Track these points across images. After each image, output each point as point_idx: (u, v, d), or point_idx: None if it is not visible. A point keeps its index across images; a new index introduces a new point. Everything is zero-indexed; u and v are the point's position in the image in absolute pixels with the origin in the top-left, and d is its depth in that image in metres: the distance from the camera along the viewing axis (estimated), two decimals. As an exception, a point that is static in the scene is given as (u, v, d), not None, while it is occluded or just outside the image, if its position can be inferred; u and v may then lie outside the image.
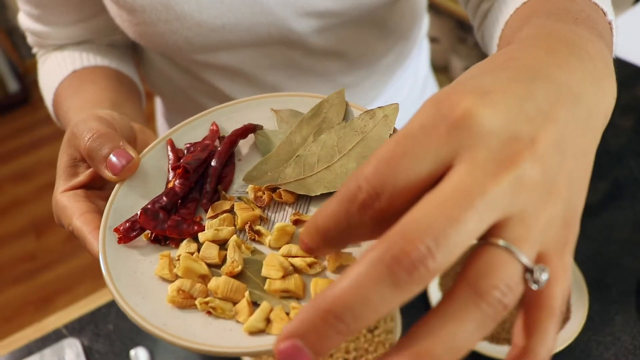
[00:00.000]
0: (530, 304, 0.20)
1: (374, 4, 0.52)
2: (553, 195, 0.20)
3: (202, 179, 0.34)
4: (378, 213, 0.20)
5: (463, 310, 0.18)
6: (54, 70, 0.56)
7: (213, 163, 0.34)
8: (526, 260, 0.19)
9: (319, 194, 0.31)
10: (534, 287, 0.19)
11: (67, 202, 0.35)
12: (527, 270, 0.19)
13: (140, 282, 0.29)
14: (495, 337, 0.52)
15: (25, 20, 0.58)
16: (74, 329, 0.58)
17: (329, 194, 0.31)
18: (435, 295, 0.55)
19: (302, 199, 0.33)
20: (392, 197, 0.20)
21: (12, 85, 2.44)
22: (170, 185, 0.33)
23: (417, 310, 0.56)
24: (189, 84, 0.63)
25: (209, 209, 0.32)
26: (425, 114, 0.21)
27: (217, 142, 0.35)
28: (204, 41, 0.52)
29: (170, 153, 0.35)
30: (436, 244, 0.18)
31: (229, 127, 0.36)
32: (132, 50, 0.65)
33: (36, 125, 2.39)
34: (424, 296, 0.56)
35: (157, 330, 0.26)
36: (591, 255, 0.59)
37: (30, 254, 1.84)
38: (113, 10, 0.53)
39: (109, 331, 0.57)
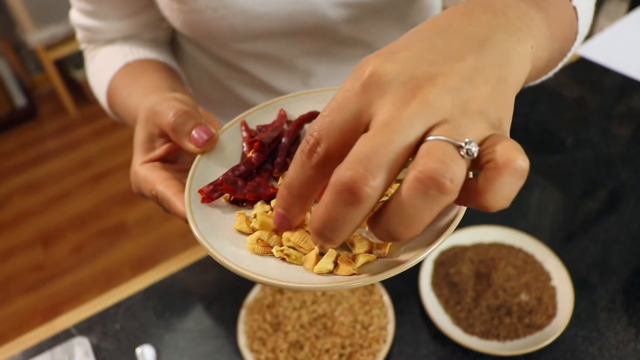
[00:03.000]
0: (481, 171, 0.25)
1: None
2: (467, 110, 0.24)
3: (273, 154, 0.39)
4: (322, 157, 0.26)
5: (413, 190, 0.23)
6: (107, 62, 0.60)
7: (283, 140, 0.40)
8: (451, 139, 0.23)
9: None
10: (467, 156, 0.23)
11: (147, 172, 0.39)
12: (458, 147, 0.23)
13: (222, 235, 0.34)
14: (484, 333, 0.54)
15: (77, 17, 0.62)
16: (83, 328, 0.60)
17: None
18: (429, 298, 0.58)
19: None
20: (329, 143, 0.26)
21: (19, 100, 2.49)
22: (248, 156, 0.38)
23: (410, 308, 0.58)
24: (226, 74, 0.67)
25: (280, 178, 0.38)
26: (348, 80, 0.26)
27: (284, 126, 0.40)
28: (247, 29, 0.56)
29: (244, 132, 0.40)
30: (372, 165, 0.23)
31: (294, 113, 0.42)
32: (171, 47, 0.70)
33: (43, 139, 2.43)
34: (417, 299, 0.59)
35: (241, 270, 0.31)
36: (578, 255, 0.62)
37: (38, 264, 1.87)
38: (164, 1, 0.57)
39: (116, 330, 0.60)
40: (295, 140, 0.40)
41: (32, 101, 2.54)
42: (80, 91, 2.59)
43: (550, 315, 0.55)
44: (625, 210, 0.66)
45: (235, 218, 0.35)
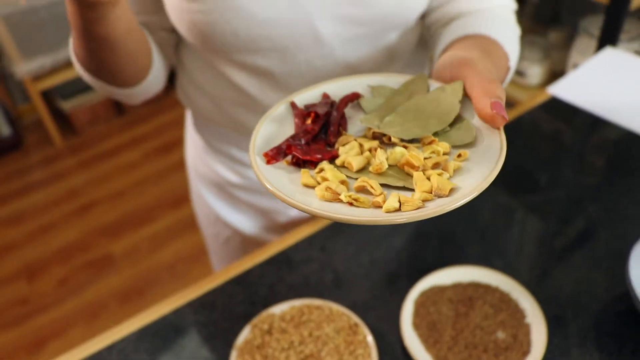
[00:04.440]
0: None
1: (391, 21, 0.63)
2: None
3: (326, 125, 0.47)
4: None
5: None
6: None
7: (334, 113, 0.47)
8: None
9: (406, 138, 0.44)
10: None
11: None
12: None
13: (291, 188, 0.41)
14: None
15: None
16: (76, 372, 0.62)
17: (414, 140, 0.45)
18: (410, 337, 0.61)
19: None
20: None
21: (5, 130, 2.50)
22: (308, 123, 0.46)
23: (392, 347, 0.61)
24: (222, 92, 0.71)
25: (336, 143, 0.45)
26: None
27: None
28: (249, 34, 0.60)
29: (293, 110, 0.48)
30: None
31: (335, 96, 0.50)
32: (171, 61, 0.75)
33: (28, 170, 2.44)
34: (399, 339, 0.61)
35: (317, 210, 0.37)
36: (552, 293, 0.65)
37: (22, 298, 1.86)
38: (174, 1, 0.61)
39: (109, 373, 0.62)
40: (343, 115, 0.48)
41: (17, 131, 2.55)
42: (67, 122, 2.61)
43: (525, 352, 0.58)
44: (596, 247, 0.69)
45: (299, 176, 0.42)
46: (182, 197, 2.19)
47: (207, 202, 0.89)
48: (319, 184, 0.41)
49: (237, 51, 0.64)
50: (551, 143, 0.87)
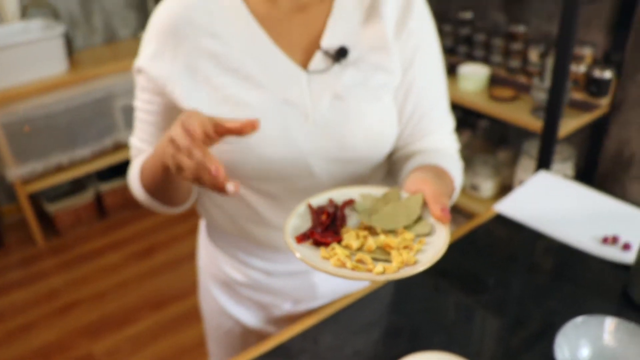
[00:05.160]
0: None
1: (366, 160, 0.85)
2: None
3: (333, 220, 0.67)
4: None
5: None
6: (137, 163, 0.88)
7: (338, 213, 0.68)
8: None
9: (387, 228, 0.65)
10: None
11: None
12: None
13: (314, 259, 0.61)
14: None
15: (136, 142, 0.89)
16: None
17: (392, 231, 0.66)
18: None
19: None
20: None
21: (-13, 230, 2.58)
22: (323, 218, 0.67)
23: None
24: (236, 209, 0.90)
25: (341, 231, 0.66)
26: None
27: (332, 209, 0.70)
28: (260, 169, 0.80)
29: (310, 210, 0.69)
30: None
31: (337, 201, 0.72)
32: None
33: (8, 268, 2.50)
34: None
35: (332, 271, 0.59)
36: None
37: (0, 398, 1.87)
38: None
39: None
40: (344, 214, 0.69)
41: None
42: (50, 223, 2.71)
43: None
44: (532, 335, 0.86)
45: (319, 251, 0.63)
46: (163, 299, 2.28)
47: (213, 296, 1.04)
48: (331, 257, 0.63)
49: (250, 179, 0.83)
50: (499, 251, 1.06)
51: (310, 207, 0.69)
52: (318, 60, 0.81)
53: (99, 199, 2.81)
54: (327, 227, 0.66)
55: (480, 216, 1.15)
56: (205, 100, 0.79)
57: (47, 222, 2.74)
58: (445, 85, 0.92)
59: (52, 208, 2.63)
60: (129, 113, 2.69)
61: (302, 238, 0.64)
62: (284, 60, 0.80)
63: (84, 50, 2.86)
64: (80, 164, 2.63)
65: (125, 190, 2.81)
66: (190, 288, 2.32)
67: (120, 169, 2.83)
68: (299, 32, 0.82)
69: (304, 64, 0.82)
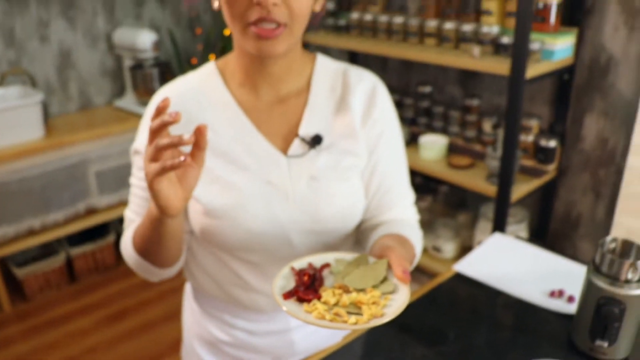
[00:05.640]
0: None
1: (338, 231, 0.96)
2: None
3: (314, 281, 0.78)
4: None
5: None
6: (131, 229, 0.95)
7: (317, 275, 0.79)
8: None
9: (358, 287, 0.76)
10: None
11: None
12: None
13: (299, 312, 0.71)
14: None
15: (130, 215, 0.98)
16: None
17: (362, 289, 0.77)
18: None
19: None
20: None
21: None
22: (304, 280, 0.77)
23: None
24: (222, 275, 0.98)
25: (320, 290, 0.76)
26: None
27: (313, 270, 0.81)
28: (245, 240, 0.90)
29: (293, 272, 0.80)
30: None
31: (316, 264, 0.83)
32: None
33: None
34: None
35: (314, 321, 0.69)
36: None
37: None
38: (196, 207, 0.91)
39: None
40: (322, 275, 0.80)
41: (-34, 298, 2.59)
42: (18, 288, 2.69)
43: None
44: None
45: (303, 306, 0.73)
46: (132, 363, 2.27)
47: (198, 354, 1.10)
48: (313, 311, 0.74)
49: (236, 250, 0.94)
50: (459, 307, 1.16)
51: (293, 269, 0.80)
52: (296, 147, 0.94)
53: (69, 263, 2.81)
54: (308, 286, 0.77)
55: (441, 275, 1.25)
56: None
57: (14, 287, 2.71)
58: (406, 164, 1.06)
59: (20, 272, 2.62)
60: (102, 178, 2.75)
61: (288, 295, 0.75)
62: (267, 146, 0.93)
63: (59, 116, 2.94)
64: (53, 228, 2.65)
65: (96, 254, 2.83)
66: (162, 352, 2.33)
67: (92, 234, 2.86)
68: (279, 121, 0.95)
69: (284, 149, 0.94)
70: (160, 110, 0.68)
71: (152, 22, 3.22)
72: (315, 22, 0.94)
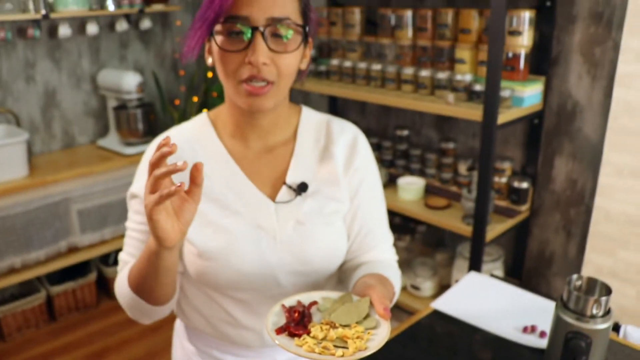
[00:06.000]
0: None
1: (323, 271, 1.02)
2: None
3: (303, 317, 0.83)
4: None
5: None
6: (126, 269, 0.99)
7: (305, 312, 0.84)
8: None
9: (343, 323, 0.82)
10: None
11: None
12: None
13: (290, 346, 0.77)
14: None
15: (126, 257, 1.02)
16: None
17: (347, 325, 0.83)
18: None
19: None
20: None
21: None
22: (295, 315, 0.83)
23: None
24: (212, 312, 1.03)
25: (309, 326, 0.81)
26: None
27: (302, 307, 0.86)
28: (236, 281, 0.95)
29: (284, 309, 0.85)
30: None
31: (304, 302, 0.88)
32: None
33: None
34: None
35: (304, 354, 0.75)
36: None
37: None
38: (190, 249, 0.97)
39: None
40: (309, 312, 0.85)
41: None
42: (-4, 328, 2.66)
43: None
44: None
45: (294, 340, 0.79)
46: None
47: None
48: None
49: (227, 289, 0.99)
50: (437, 342, 1.21)
51: (284, 307, 0.86)
52: (283, 193, 1.01)
53: (49, 302, 2.79)
54: (298, 322, 0.83)
55: (419, 313, 1.31)
56: (191, 224, 0.95)
57: (-8, 327, 2.68)
58: (385, 208, 1.14)
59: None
60: (84, 217, 2.76)
61: (280, 331, 0.81)
62: (256, 193, 1.00)
63: (41, 155, 2.97)
64: (34, 266, 2.65)
65: (76, 293, 2.82)
66: (140, 392, 2.31)
67: (73, 272, 2.85)
68: (267, 169, 1.03)
69: (272, 195, 1.02)
70: (161, 147, 0.74)
71: (136, 64, 3.29)
72: (301, 78, 1.02)
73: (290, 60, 0.92)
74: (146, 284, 0.92)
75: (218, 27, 0.90)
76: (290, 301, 0.88)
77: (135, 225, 1.01)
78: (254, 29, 0.87)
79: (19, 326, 2.68)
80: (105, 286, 2.99)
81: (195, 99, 3.25)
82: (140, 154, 2.92)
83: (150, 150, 1.03)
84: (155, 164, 0.75)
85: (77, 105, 3.09)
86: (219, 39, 0.90)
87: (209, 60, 0.96)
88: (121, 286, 0.98)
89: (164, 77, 3.43)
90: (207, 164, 0.99)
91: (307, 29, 0.94)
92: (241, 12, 0.87)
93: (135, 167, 2.87)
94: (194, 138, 1.03)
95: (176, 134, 1.04)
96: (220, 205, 0.98)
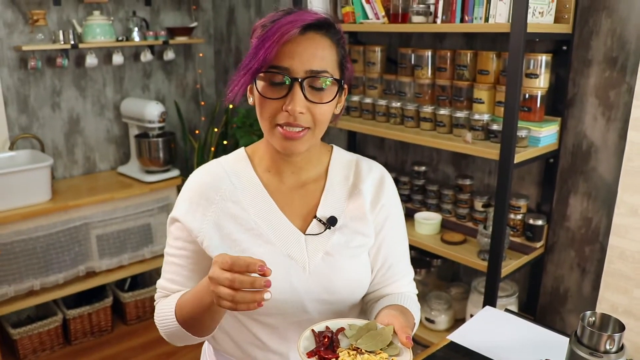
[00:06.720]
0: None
1: (347, 301, 1.07)
2: None
3: (332, 342, 0.89)
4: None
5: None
6: (172, 300, 1.03)
7: (334, 337, 0.90)
8: None
9: (369, 349, 0.88)
10: None
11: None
12: None
13: None
14: None
15: (165, 284, 1.07)
16: None
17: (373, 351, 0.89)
18: None
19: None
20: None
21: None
22: (325, 340, 0.89)
23: None
24: (242, 336, 1.08)
25: (337, 351, 0.88)
26: None
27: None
28: (265, 306, 0.99)
29: (314, 334, 0.91)
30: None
31: (332, 328, 0.94)
32: None
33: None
34: None
35: None
36: None
37: None
38: None
39: None
40: (337, 338, 0.91)
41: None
42: (12, 348, 2.69)
43: None
44: None
45: None
46: None
47: None
48: None
49: (256, 314, 1.04)
50: (458, 377, 1.24)
51: (313, 332, 0.91)
52: (314, 226, 1.08)
53: (65, 325, 2.82)
54: (327, 346, 0.89)
55: (435, 345, 1.34)
56: (227, 251, 1.01)
57: (8, 348, 2.71)
58: (407, 244, 1.20)
59: (15, 333, 2.63)
60: (103, 242, 2.82)
61: (311, 354, 0.87)
62: (288, 225, 1.06)
63: (63, 179, 3.04)
64: (52, 289, 2.69)
65: (92, 317, 2.85)
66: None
67: (89, 296, 2.89)
68: (299, 203, 1.09)
69: (303, 228, 1.08)
70: (259, 266, 0.84)
71: (158, 93, 3.39)
72: (335, 120, 1.08)
73: (325, 109, 0.98)
74: (198, 325, 0.99)
75: (261, 75, 0.96)
76: (319, 327, 0.93)
77: (174, 251, 1.06)
78: (293, 79, 0.94)
79: (34, 348, 2.71)
80: (120, 311, 3.02)
81: (216, 130, 3.33)
82: (160, 182, 2.99)
83: (192, 178, 1.09)
84: (240, 270, 0.83)
85: (99, 132, 3.17)
86: (260, 85, 0.97)
87: (250, 100, 1.03)
88: (166, 316, 1.03)
89: (184, 106, 3.52)
90: (243, 195, 1.05)
91: (342, 81, 1.01)
92: (283, 63, 0.94)
93: (154, 195, 2.94)
94: (232, 171, 1.09)
95: (215, 165, 1.10)
96: (254, 234, 1.04)
